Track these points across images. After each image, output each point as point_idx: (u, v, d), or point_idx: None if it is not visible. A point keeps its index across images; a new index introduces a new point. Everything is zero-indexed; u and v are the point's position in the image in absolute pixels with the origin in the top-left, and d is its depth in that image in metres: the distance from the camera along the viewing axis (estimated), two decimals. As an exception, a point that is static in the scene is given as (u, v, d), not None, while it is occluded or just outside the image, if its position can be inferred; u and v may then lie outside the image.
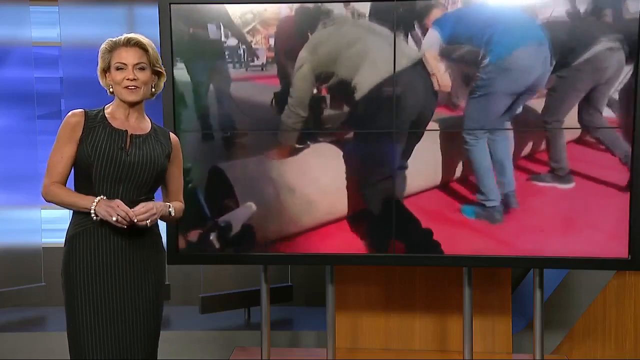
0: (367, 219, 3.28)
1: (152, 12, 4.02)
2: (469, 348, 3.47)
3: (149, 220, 2.41)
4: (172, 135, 2.65)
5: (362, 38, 3.19)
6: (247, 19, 3.22)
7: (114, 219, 2.35)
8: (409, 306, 3.84)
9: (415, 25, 3.15)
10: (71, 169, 2.49)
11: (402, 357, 3.78)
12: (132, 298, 2.48)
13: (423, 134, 3.22)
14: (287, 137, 3.28)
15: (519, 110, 3.18)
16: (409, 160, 3.24)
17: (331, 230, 3.30)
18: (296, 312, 4.50)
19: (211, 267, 4.29)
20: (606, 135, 3.14)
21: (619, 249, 3.18)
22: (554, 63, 3.12)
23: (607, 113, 3.14)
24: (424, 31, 3.16)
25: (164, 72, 2.56)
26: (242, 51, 3.24)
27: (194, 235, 3.33)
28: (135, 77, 2.45)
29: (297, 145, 3.27)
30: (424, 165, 3.24)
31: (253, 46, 3.23)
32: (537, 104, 3.17)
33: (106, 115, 2.50)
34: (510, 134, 3.19)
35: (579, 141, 3.17)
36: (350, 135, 3.26)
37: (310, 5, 3.19)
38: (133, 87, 2.46)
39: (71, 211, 2.50)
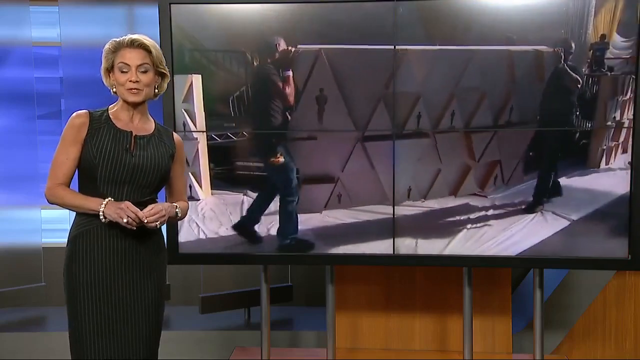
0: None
1: (152, 12, 4.02)
2: (469, 348, 3.47)
3: (159, 222, 2.42)
4: (175, 135, 2.65)
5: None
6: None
7: (125, 220, 2.36)
8: (409, 306, 3.83)
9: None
10: (75, 170, 2.49)
11: (402, 357, 3.78)
12: (134, 298, 2.48)
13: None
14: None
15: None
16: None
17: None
18: (296, 312, 4.50)
19: (211, 267, 4.29)
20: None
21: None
22: None
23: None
24: None
25: (168, 74, 2.56)
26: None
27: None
28: (138, 79, 2.45)
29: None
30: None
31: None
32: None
33: (110, 116, 2.51)
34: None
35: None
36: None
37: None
38: (135, 90, 2.46)
39: (74, 212, 2.51)
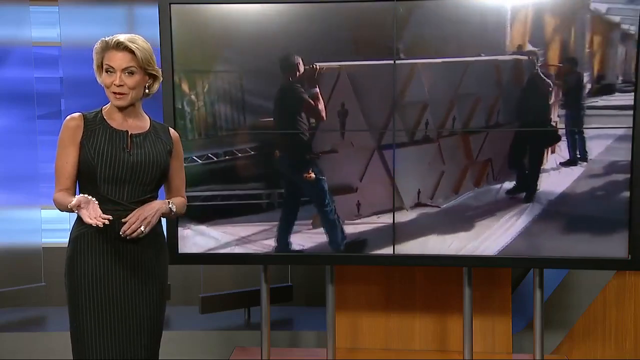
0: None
1: (152, 12, 4.01)
2: (469, 348, 3.47)
3: (143, 227, 2.41)
4: (171, 130, 2.64)
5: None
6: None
7: (92, 222, 2.29)
8: (409, 306, 3.83)
9: None
10: (77, 171, 2.48)
11: (402, 357, 3.78)
12: (135, 298, 2.48)
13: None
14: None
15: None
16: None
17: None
18: (296, 312, 4.50)
19: (211, 267, 4.29)
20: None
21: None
22: None
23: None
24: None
25: (159, 74, 2.53)
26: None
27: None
28: (122, 83, 2.42)
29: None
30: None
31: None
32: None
33: (104, 117, 2.50)
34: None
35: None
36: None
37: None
38: (119, 95, 2.44)
39: (75, 212, 2.50)
